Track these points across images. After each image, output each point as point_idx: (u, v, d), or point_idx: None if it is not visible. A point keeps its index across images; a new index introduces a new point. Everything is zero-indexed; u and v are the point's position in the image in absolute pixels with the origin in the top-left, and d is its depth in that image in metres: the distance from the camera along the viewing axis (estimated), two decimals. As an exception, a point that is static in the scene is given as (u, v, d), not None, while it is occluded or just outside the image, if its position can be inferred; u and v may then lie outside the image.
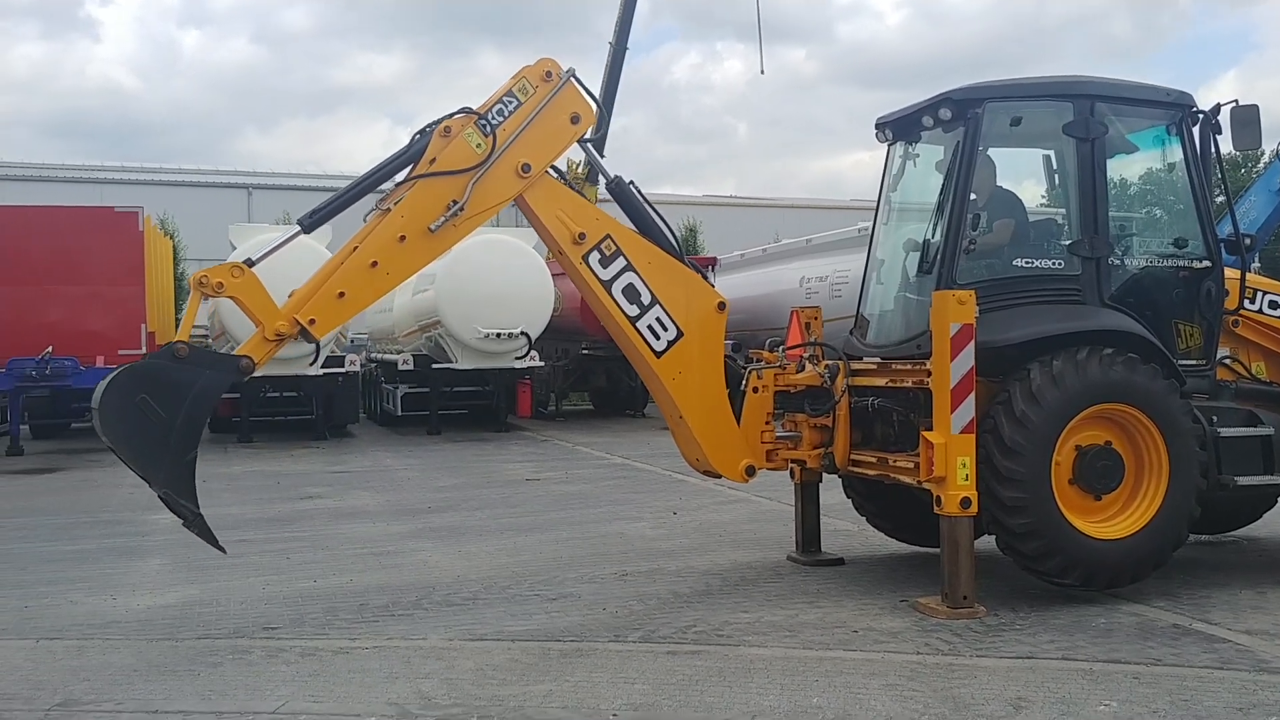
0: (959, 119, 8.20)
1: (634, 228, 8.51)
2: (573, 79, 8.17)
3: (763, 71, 30.21)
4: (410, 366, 23.76)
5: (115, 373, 7.23)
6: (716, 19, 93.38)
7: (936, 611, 7.53)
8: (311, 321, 7.53)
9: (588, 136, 8.38)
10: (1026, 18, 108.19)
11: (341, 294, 7.61)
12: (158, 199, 31.91)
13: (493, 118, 7.88)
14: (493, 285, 21.60)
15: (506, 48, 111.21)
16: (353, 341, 26.39)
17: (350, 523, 12.38)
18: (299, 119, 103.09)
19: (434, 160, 7.76)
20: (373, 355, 28.45)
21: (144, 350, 20.04)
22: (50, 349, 18.78)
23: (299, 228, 7.76)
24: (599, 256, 8.18)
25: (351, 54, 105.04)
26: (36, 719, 5.86)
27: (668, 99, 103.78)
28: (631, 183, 8.61)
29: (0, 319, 18.91)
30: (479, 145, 7.82)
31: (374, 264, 7.65)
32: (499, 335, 22.15)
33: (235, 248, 19.41)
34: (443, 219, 7.72)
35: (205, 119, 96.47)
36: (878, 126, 9.04)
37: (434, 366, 23.28)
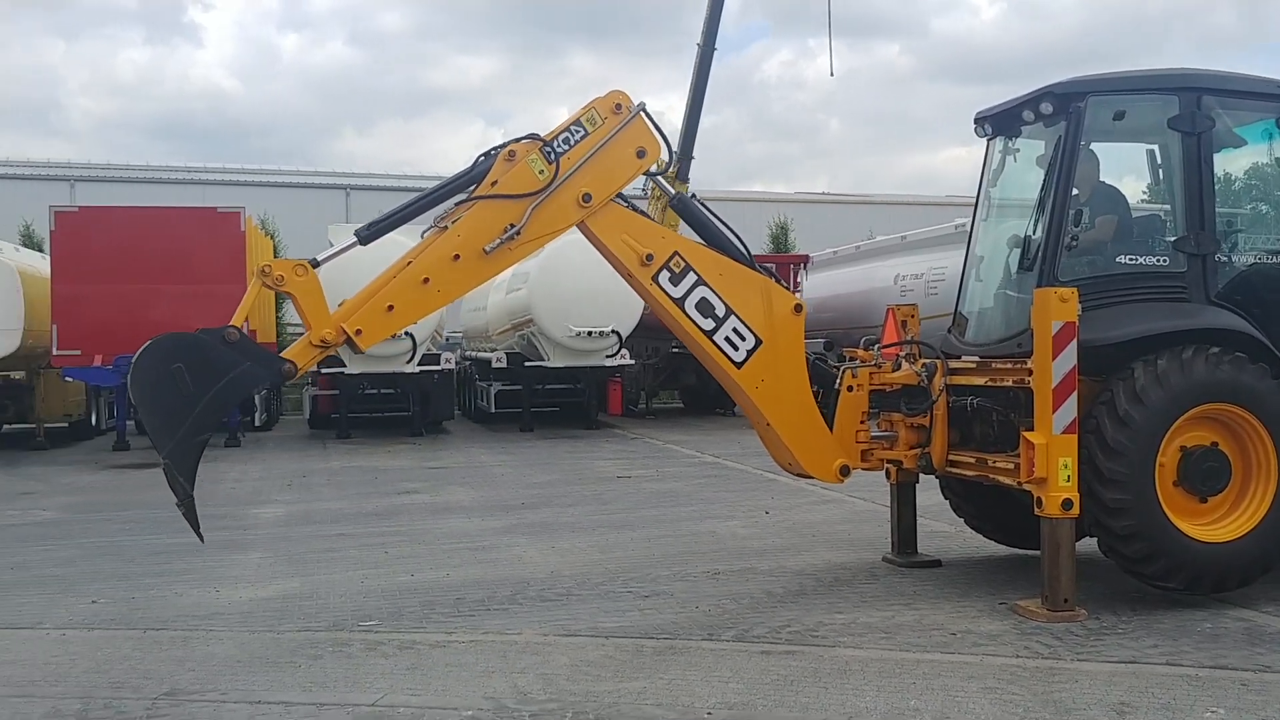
0: (1061, 113, 8.04)
1: (701, 241, 8.47)
2: (643, 113, 8.11)
3: (832, 74, 30.05)
4: (504, 364, 24.01)
5: (162, 336, 7.33)
6: (808, 15, 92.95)
7: (1036, 614, 7.40)
8: (358, 332, 7.57)
9: (655, 171, 8.34)
10: (1126, 10, 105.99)
11: (391, 307, 7.64)
12: (258, 199, 32.49)
13: (558, 146, 7.86)
14: (584, 284, 21.66)
15: (599, 48, 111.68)
16: (448, 340, 26.72)
17: (446, 518, 12.54)
18: (395, 120, 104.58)
19: (495, 183, 7.76)
20: (467, 353, 28.77)
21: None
22: (155, 346, 19.25)
23: (355, 238, 7.82)
24: (669, 275, 8.12)
25: (446, 55, 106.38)
26: (145, 707, 6.02)
27: (758, 96, 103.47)
28: (694, 196, 8.61)
29: (108, 317, 19.44)
30: (542, 172, 7.79)
31: (426, 280, 7.67)
32: (590, 333, 22.29)
33: (334, 246, 19.72)
34: (498, 241, 7.69)
35: (304, 120, 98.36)
36: (977, 121, 8.91)
37: (526, 364, 23.48)
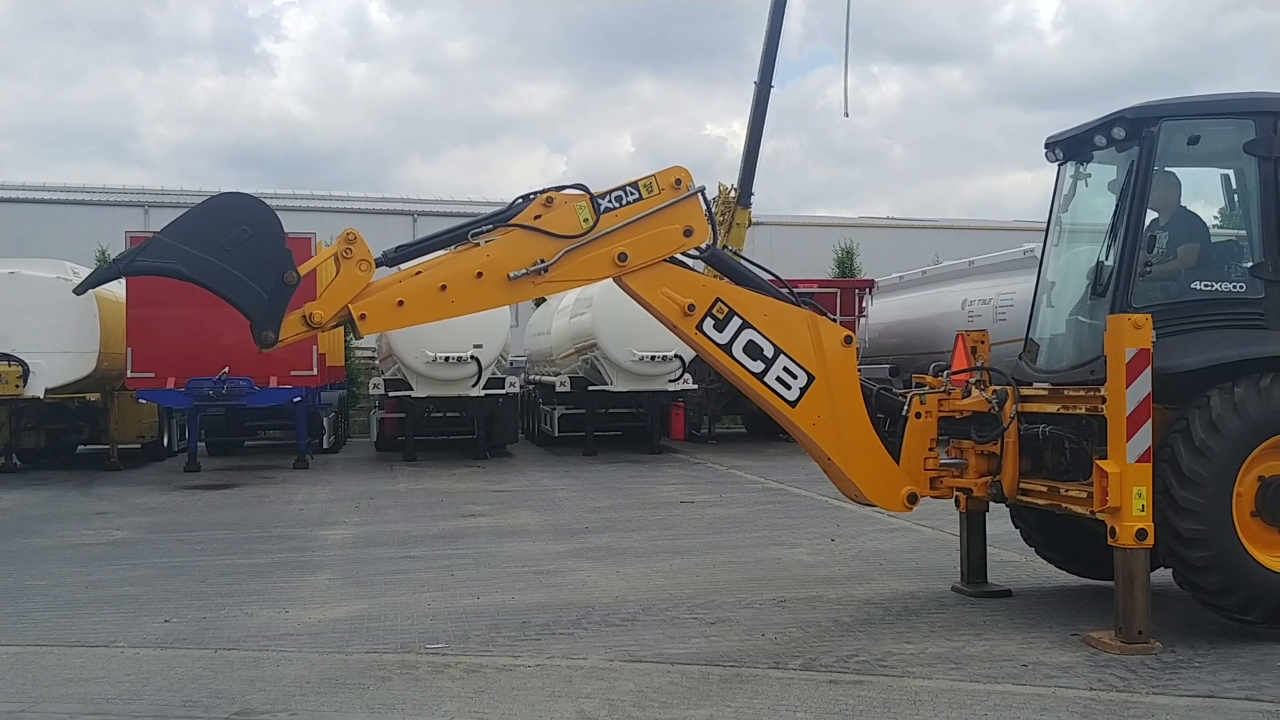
0: (1133, 138, 7.95)
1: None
2: (700, 195, 8.19)
3: (847, 114, 29.46)
4: (567, 388, 24.10)
5: (267, 209, 7.49)
6: (870, 41, 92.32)
7: (1110, 646, 7.28)
8: (363, 316, 7.64)
9: (694, 253, 8.34)
10: (1196, 35, 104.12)
11: (401, 303, 7.72)
12: (329, 225, 32.81)
13: (609, 201, 7.95)
14: (649, 309, 21.71)
15: (663, 75, 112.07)
16: (512, 364, 26.88)
17: (511, 541, 12.58)
18: (461, 148, 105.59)
19: (539, 217, 7.84)
20: (531, 377, 28.92)
21: (315, 370, 20.75)
22: (227, 369, 19.55)
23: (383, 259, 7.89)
24: (713, 322, 8.11)
25: (511, 84, 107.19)
26: (217, 726, 6.10)
27: (821, 121, 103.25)
28: (726, 247, 8.63)
29: (181, 341, 19.76)
30: (586, 220, 7.88)
31: (443, 288, 7.74)
32: (653, 358, 22.30)
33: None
34: (524, 272, 7.76)
35: (372, 148, 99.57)
36: (1048, 146, 8.83)
37: (590, 389, 23.56)
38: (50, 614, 9.04)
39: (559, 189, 7.97)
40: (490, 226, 7.95)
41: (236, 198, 7.52)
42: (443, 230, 8.12)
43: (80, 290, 7.79)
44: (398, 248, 7.94)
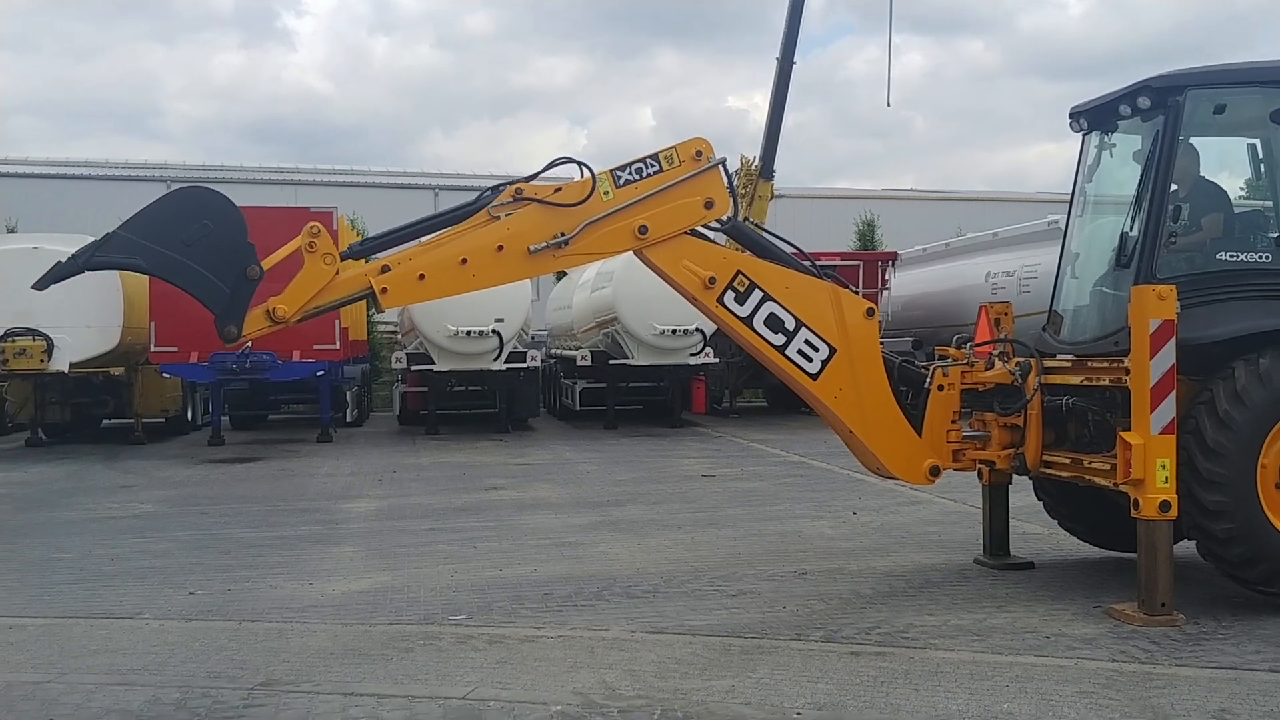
0: (1159, 107, 7.88)
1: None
2: (721, 167, 8.14)
3: (889, 104, 29.15)
4: (588, 362, 24.08)
5: (227, 201, 7.49)
6: (894, 13, 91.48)
7: (1132, 618, 7.26)
8: (384, 290, 7.68)
9: (715, 225, 8.30)
10: (1218, 4, 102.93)
11: (422, 277, 7.73)
12: (350, 200, 32.92)
13: (629, 174, 7.93)
14: (670, 282, 21.65)
15: (684, 47, 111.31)
16: (533, 338, 26.90)
17: (533, 514, 12.62)
18: (482, 122, 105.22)
19: (559, 189, 7.85)
20: (552, 351, 28.95)
21: (338, 345, 20.80)
22: (250, 343, 19.58)
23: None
24: (734, 295, 8.08)
25: (531, 57, 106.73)
26: (240, 696, 6.13)
27: (843, 93, 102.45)
28: (747, 219, 8.56)
29: (204, 315, 19.74)
30: (606, 193, 7.87)
31: (464, 261, 7.74)
32: (674, 332, 22.26)
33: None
34: (544, 245, 7.77)
35: (393, 122, 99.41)
36: (1072, 116, 8.75)
37: (611, 363, 23.54)
38: (76, 586, 9.12)
39: (529, 178, 7.97)
40: (457, 217, 7.93)
41: (198, 192, 7.53)
42: (405, 224, 8.13)
43: (40, 286, 7.64)
44: (363, 240, 8.02)
